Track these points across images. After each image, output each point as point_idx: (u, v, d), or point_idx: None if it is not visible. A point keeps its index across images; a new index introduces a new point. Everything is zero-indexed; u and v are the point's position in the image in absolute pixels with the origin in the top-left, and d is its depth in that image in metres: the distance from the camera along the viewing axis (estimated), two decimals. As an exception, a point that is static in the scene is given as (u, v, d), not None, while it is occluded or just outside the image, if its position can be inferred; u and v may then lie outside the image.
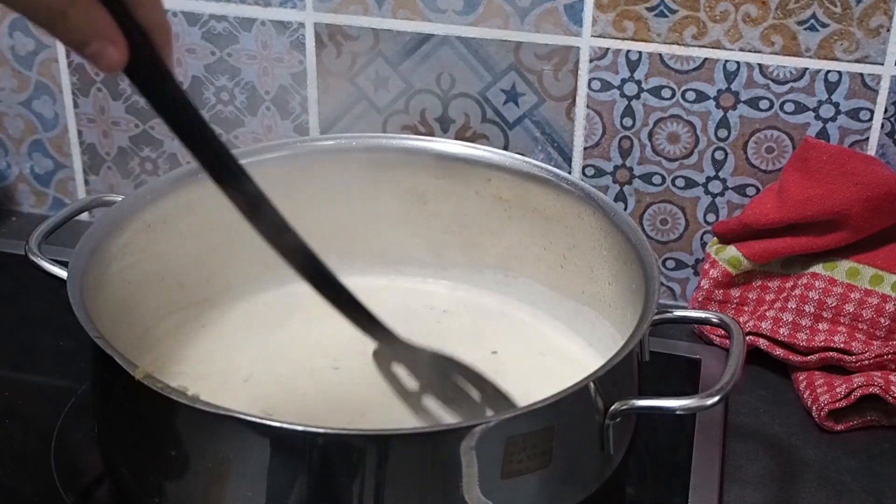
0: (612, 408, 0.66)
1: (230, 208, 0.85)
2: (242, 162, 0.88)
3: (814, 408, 0.85)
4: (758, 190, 0.94)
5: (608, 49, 0.92)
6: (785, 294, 0.91)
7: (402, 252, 0.91)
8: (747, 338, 0.89)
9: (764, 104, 0.91)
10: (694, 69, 0.91)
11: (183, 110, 0.55)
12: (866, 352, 0.86)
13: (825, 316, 0.88)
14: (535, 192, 0.85)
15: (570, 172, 0.95)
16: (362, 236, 0.90)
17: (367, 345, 0.84)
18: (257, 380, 0.79)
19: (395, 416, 0.75)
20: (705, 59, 0.90)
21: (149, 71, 0.53)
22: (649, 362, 0.74)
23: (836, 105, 0.90)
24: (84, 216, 0.91)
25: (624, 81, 0.93)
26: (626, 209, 0.97)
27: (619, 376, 0.67)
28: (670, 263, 0.99)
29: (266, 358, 0.81)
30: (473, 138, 0.97)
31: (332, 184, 0.88)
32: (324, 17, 0.96)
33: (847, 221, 0.87)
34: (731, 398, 0.87)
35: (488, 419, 0.61)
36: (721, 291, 0.92)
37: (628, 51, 0.91)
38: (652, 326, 0.70)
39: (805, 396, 0.86)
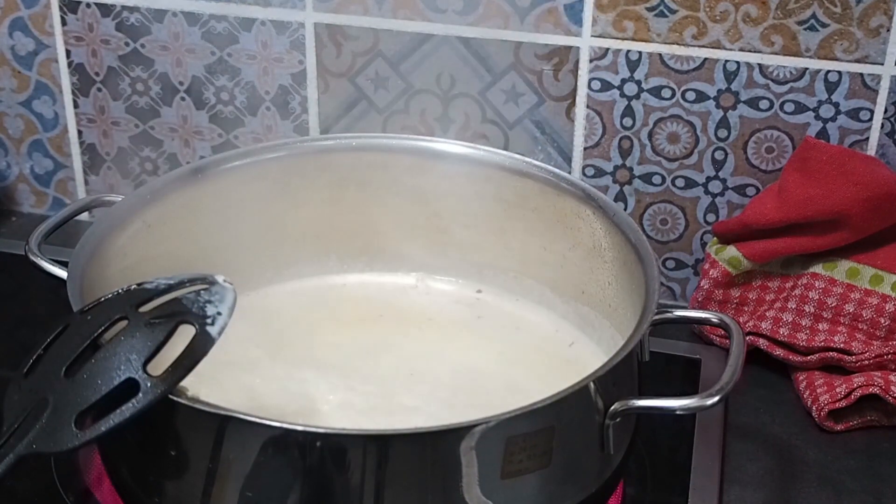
0: (612, 408, 0.66)
1: (230, 208, 0.86)
2: (242, 162, 0.89)
3: (814, 408, 0.85)
4: (758, 190, 0.94)
5: (608, 49, 0.92)
6: (785, 294, 0.91)
7: (402, 252, 0.91)
8: (747, 338, 0.89)
9: (764, 104, 0.91)
10: (694, 69, 0.91)
11: None
12: (866, 352, 0.86)
13: (825, 316, 0.88)
14: (535, 192, 0.85)
15: (570, 172, 0.95)
16: (362, 236, 0.90)
17: (366, 341, 0.84)
18: (258, 378, 0.79)
19: (395, 414, 0.76)
20: (705, 59, 0.90)
21: None
22: (649, 362, 0.73)
23: (836, 105, 0.90)
24: (84, 216, 0.91)
25: (624, 81, 0.93)
26: (626, 209, 0.97)
27: (619, 376, 0.67)
28: (670, 263, 0.99)
29: (266, 356, 0.81)
30: (473, 138, 0.97)
31: (332, 184, 0.88)
32: (324, 17, 0.96)
33: (847, 221, 0.87)
34: (731, 398, 0.87)
35: (488, 419, 0.61)
36: (721, 291, 0.92)
37: (628, 51, 0.91)
38: (652, 326, 0.70)
39: (805, 396, 0.86)
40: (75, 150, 1.07)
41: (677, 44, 0.90)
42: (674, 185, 0.95)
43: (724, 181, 0.94)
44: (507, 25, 0.93)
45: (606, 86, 0.93)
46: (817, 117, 0.90)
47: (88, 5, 1.00)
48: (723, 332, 0.88)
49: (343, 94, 0.98)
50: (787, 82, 0.90)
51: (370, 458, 0.61)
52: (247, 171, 0.85)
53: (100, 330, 0.64)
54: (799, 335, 0.88)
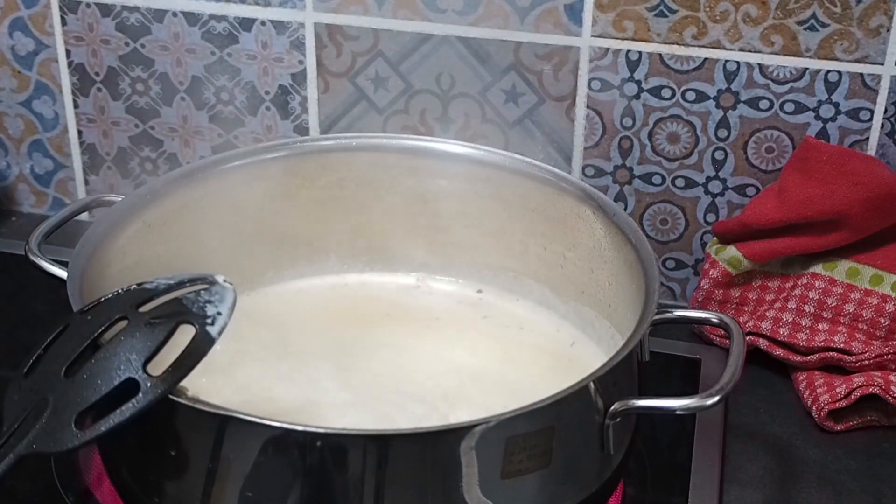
0: (612, 408, 0.66)
1: (229, 208, 0.86)
2: (242, 162, 0.89)
3: (814, 408, 0.85)
4: (758, 190, 0.94)
5: (608, 49, 0.92)
6: (785, 294, 0.91)
7: (403, 252, 0.91)
8: (747, 338, 0.89)
9: (764, 104, 0.91)
10: (694, 69, 0.91)
11: None
12: (866, 352, 0.86)
13: (825, 316, 0.88)
14: (535, 192, 0.85)
15: (570, 172, 0.95)
16: (362, 236, 0.90)
17: (367, 341, 0.84)
18: (258, 378, 0.79)
19: (395, 414, 0.75)
20: (705, 59, 0.90)
21: None
22: (649, 362, 0.73)
23: (836, 105, 0.90)
24: (84, 216, 0.91)
25: (624, 81, 0.93)
26: (626, 209, 0.97)
27: (619, 376, 0.67)
28: (670, 263, 0.99)
29: (266, 356, 0.81)
30: (473, 138, 0.97)
31: (332, 184, 0.88)
32: (324, 17, 0.96)
33: (847, 221, 0.87)
34: (731, 398, 0.87)
35: (488, 419, 0.61)
36: (721, 291, 0.92)
37: (628, 51, 0.91)
38: (652, 326, 0.70)
39: (805, 396, 0.86)
40: (75, 150, 1.07)
41: (677, 44, 0.90)
42: (674, 185, 0.95)
43: (724, 181, 0.94)
44: (507, 25, 0.93)
45: (606, 86, 0.93)
46: (817, 117, 0.90)
47: (88, 5, 1.00)
48: (723, 332, 0.88)
49: (343, 94, 0.98)
50: (787, 82, 0.90)
51: (370, 458, 0.61)
52: (247, 171, 0.85)
53: (100, 330, 0.64)
54: (799, 335, 0.88)
